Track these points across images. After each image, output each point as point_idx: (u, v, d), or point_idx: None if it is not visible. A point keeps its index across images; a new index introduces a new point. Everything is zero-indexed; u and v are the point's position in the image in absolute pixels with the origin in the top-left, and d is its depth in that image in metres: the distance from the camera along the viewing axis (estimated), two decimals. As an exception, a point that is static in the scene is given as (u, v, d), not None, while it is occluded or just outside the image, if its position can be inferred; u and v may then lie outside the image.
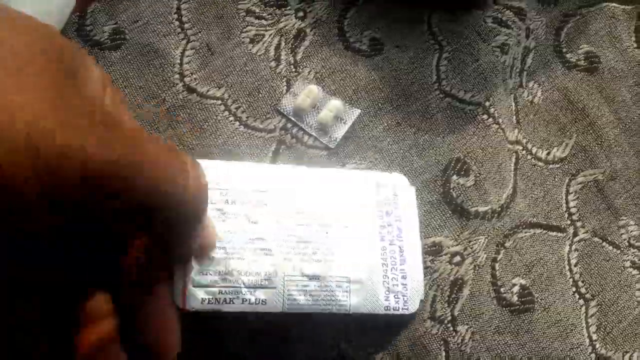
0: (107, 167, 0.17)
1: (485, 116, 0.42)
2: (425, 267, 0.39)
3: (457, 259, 0.39)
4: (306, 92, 0.41)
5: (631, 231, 0.42)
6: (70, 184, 0.17)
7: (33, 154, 0.16)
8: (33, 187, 0.16)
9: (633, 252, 0.42)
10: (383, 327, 0.37)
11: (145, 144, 0.19)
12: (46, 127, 0.16)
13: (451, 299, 0.38)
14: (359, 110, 0.41)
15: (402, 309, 0.34)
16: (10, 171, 0.16)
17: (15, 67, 0.17)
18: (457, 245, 0.39)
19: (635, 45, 0.46)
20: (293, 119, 0.41)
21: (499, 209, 0.40)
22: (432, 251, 0.39)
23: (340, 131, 0.41)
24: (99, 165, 0.17)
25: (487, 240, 0.39)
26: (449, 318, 0.38)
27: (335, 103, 0.41)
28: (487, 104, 0.42)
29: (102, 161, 0.17)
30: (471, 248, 0.39)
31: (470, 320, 0.38)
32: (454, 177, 0.40)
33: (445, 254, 0.39)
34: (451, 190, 0.40)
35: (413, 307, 0.35)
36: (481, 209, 0.40)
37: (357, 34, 0.43)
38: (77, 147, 0.17)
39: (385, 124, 0.41)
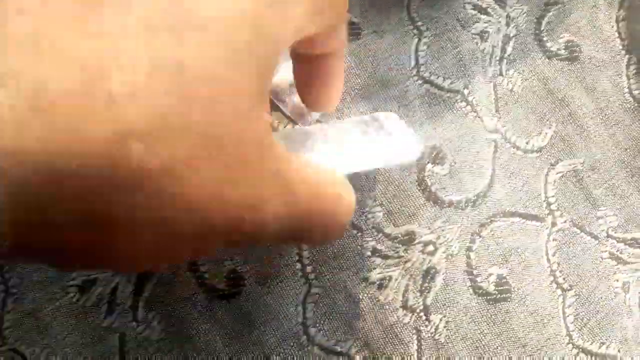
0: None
1: (463, 104, 0.41)
2: (398, 257, 0.38)
3: (430, 248, 0.38)
4: (286, 70, 0.40)
5: (609, 222, 0.42)
6: None
7: None
8: None
9: (611, 243, 0.41)
10: (351, 315, 0.36)
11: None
12: None
13: (423, 288, 0.38)
14: (335, 96, 0.40)
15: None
16: None
17: None
18: (430, 233, 0.39)
19: (616, 34, 0.46)
20: (271, 97, 0.40)
21: (474, 197, 0.40)
22: (404, 240, 0.38)
23: (315, 113, 0.40)
24: None
25: (460, 229, 0.39)
26: (421, 307, 0.37)
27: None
28: (466, 91, 0.41)
29: None
30: (444, 237, 0.38)
31: (445, 310, 0.38)
32: (429, 164, 0.40)
33: (418, 243, 0.38)
34: (426, 178, 0.39)
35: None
36: (455, 197, 0.39)
37: (334, 19, 0.42)
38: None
39: (362, 110, 0.41)
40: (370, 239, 0.38)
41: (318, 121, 0.40)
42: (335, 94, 0.30)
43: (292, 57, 0.28)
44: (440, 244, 0.39)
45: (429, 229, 0.39)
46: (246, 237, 0.19)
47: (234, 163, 0.17)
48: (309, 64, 0.28)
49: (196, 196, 0.16)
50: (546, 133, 0.43)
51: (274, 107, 0.40)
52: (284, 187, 0.19)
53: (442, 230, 0.39)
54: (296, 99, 0.39)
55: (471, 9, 0.43)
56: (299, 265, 0.38)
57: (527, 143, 0.42)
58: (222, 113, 0.16)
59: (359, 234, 0.38)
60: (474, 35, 0.43)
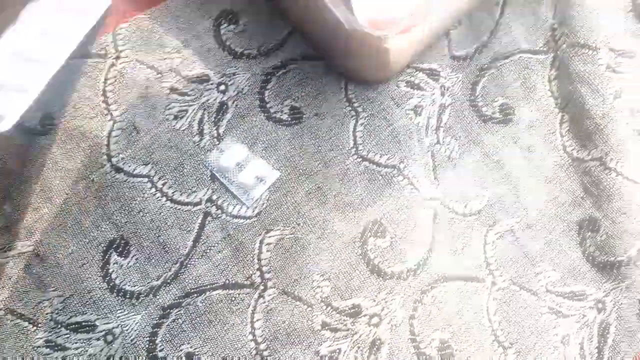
0: None
1: (400, 178, 0.44)
2: (346, 329, 0.41)
3: (375, 319, 0.41)
4: (232, 151, 0.43)
5: (548, 277, 0.44)
6: None
7: None
8: None
9: (550, 298, 0.44)
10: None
11: None
12: None
13: (370, 359, 0.40)
14: (279, 173, 0.43)
15: None
16: None
17: None
18: (375, 305, 0.41)
19: (549, 93, 0.48)
20: (217, 174, 0.43)
21: (415, 267, 0.42)
22: (351, 313, 0.41)
23: (258, 191, 0.43)
24: None
25: (403, 299, 0.42)
26: (367, 379, 0.40)
27: (258, 163, 0.43)
28: (402, 165, 0.44)
29: None
30: (388, 308, 0.41)
31: (390, 378, 0.40)
32: (371, 238, 0.43)
33: (364, 315, 0.41)
34: (368, 252, 0.42)
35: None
36: (397, 269, 0.42)
37: (277, 103, 0.45)
38: None
39: (307, 189, 0.43)
40: (320, 312, 0.41)
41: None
42: None
43: None
44: (385, 315, 0.41)
45: (374, 300, 0.42)
46: None
47: None
48: None
49: None
50: (484, 195, 0.46)
51: (220, 184, 0.43)
52: None
53: (386, 302, 0.42)
54: (240, 177, 0.42)
55: (404, 86, 0.46)
56: (253, 344, 0.40)
57: (465, 207, 0.45)
58: None
59: (309, 308, 0.41)
60: (407, 111, 0.45)
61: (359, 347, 0.41)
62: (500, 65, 0.49)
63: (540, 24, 0.49)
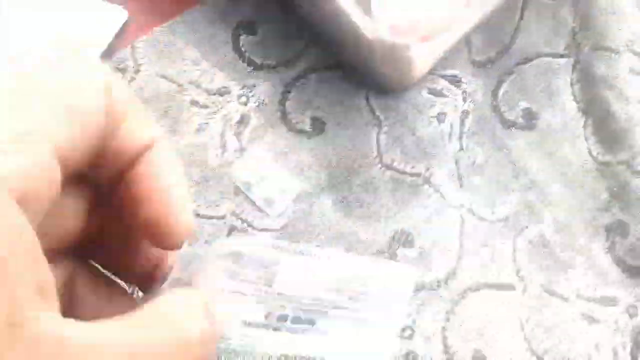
0: None
1: (426, 186, 0.43)
2: (377, 342, 0.40)
3: (408, 332, 0.40)
4: (255, 163, 0.43)
5: (579, 282, 0.44)
6: None
7: None
8: None
9: (581, 304, 0.43)
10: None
11: None
12: None
13: (404, 372, 0.40)
14: (303, 184, 0.43)
15: None
16: None
17: None
18: (407, 318, 0.41)
19: (572, 98, 0.48)
20: (240, 187, 0.42)
21: (445, 276, 0.42)
22: (382, 325, 0.40)
23: (283, 203, 0.42)
24: None
25: (435, 310, 0.41)
26: (402, 393, 0.39)
27: (281, 175, 0.43)
28: (427, 174, 0.44)
29: None
30: (421, 319, 0.41)
31: (425, 390, 0.40)
32: (400, 248, 0.42)
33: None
34: (397, 262, 0.42)
35: None
36: (427, 279, 0.41)
37: (299, 114, 0.44)
38: None
39: (332, 200, 0.43)
40: (350, 325, 0.41)
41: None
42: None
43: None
44: (417, 327, 0.41)
45: (406, 313, 0.41)
46: None
47: None
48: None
49: None
50: (511, 201, 0.45)
51: (244, 197, 0.42)
52: None
53: (418, 314, 0.41)
54: (264, 189, 0.42)
55: (427, 93, 0.45)
56: None
57: (492, 213, 0.45)
58: None
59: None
60: (431, 118, 0.45)
61: (391, 360, 0.40)
62: (522, 69, 0.48)
63: (561, 28, 0.49)
